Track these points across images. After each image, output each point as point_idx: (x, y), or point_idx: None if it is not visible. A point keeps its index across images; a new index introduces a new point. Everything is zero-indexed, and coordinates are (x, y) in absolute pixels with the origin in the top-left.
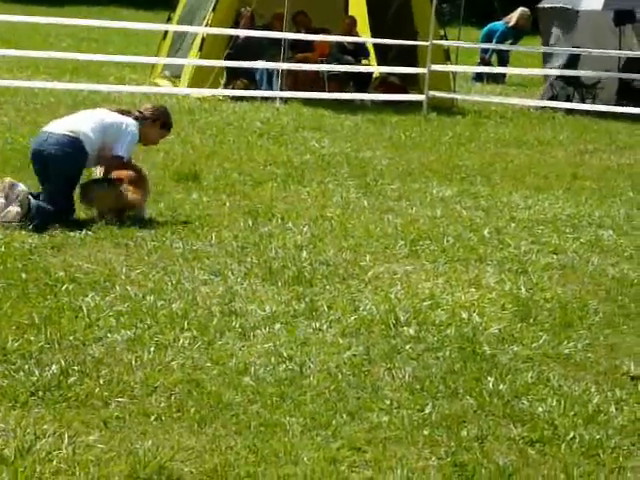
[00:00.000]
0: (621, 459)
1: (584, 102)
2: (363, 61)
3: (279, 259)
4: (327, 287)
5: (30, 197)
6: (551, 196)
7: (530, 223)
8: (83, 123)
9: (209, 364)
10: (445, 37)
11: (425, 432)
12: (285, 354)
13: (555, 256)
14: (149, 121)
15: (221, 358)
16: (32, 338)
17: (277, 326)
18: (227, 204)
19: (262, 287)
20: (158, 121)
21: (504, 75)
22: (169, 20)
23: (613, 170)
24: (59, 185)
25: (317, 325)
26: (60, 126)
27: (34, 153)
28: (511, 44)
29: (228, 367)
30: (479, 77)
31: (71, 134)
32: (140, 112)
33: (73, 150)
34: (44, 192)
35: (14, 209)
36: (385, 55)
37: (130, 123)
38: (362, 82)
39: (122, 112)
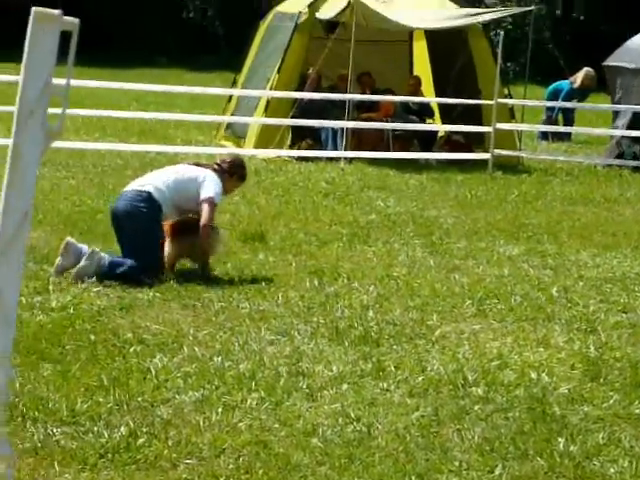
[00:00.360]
0: None
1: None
2: (428, 120)
3: (345, 319)
4: (394, 347)
5: (99, 252)
6: (619, 254)
7: (598, 281)
8: (156, 178)
9: (277, 425)
10: (510, 95)
11: None
12: (353, 415)
13: (624, 315)
14: (227, 174)
15: (289, 419)
16: (101, 400)
17: (344, 386)
18: (293, 264)
19: (329, 347)
20: (235, 174)
21: (569, 133)
22: (234, 83)
23: None
24: (137, 240)
25: (384, 385)
26: (134, 183)
27: (111, 213)
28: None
29: (296, 428)
30: (544, 135)
31: (141, 189)
32: (218, 164)
33: (144, 204)
34: (124, 251)
35: (83, 263)
36: (449, 114)
37: (209, 173)
38: (426, 141)
39: (200, 165)
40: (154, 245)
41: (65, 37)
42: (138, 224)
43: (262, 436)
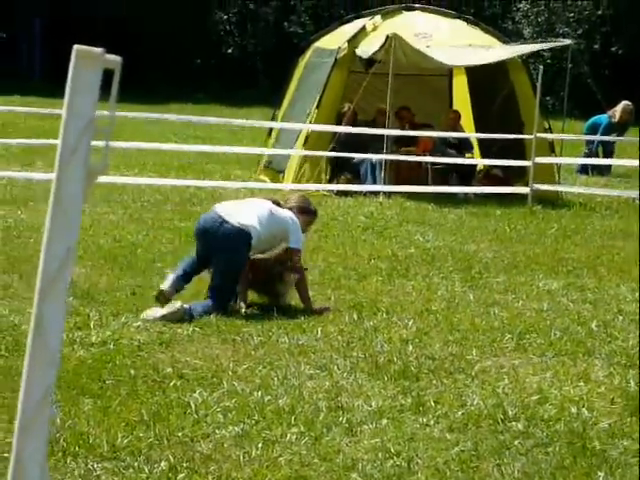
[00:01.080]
0: None
1: None
2: (467, 155)
3: (385, 353)
4: (433, 381)
5: (187, 308)
6: None
7: (637, 316)
8: (253, 215)
9: (316, 460)
10: (549, 130)
11: None
12: (392, 450)
13: None
14: (298, 214)
15: (328, 454)
16: (141, 435)
17: (384, 421)
18: (332, 298)
19: (368, 382)
20: (305, 214)
21: (609, 167)
22: (273, 118)
23: None
24: (225, 280)
25: (424, 420)
26: (234, 215)
27: (203, 231)
28: (616, 136)
29: (335, 463)
30: (584, 169)
31: (243, 227)
32: (291, 207)
33: (243, 245)
34: (212, 275)
35: (167, 312)
36: (489, 148)
37: (294, 218)
38: (465, 175)
39: (278, 204)
40: (235, 286)
41: (108, 74)
42: (232, 264)
43: (302, 471)
